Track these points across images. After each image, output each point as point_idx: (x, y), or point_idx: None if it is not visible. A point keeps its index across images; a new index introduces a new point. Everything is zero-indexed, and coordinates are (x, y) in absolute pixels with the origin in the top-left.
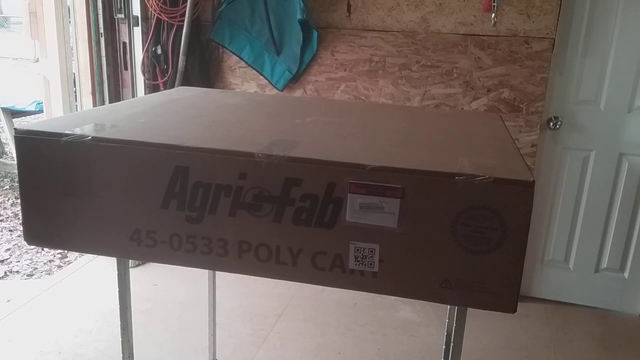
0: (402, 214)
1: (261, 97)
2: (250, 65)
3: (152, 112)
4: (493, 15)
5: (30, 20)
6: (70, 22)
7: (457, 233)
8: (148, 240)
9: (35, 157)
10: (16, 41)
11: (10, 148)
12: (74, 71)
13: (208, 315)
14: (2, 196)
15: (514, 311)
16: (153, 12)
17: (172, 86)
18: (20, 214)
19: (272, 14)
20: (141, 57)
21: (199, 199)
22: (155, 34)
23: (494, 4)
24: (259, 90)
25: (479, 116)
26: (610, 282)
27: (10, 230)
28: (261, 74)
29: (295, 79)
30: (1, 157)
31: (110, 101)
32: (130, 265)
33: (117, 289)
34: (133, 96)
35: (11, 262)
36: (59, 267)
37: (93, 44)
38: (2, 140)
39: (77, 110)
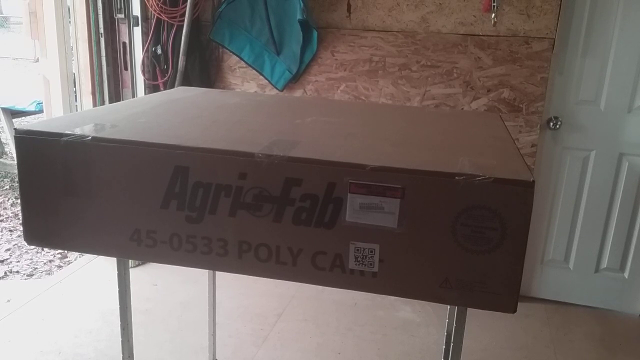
0: (402, 214)
1: (261, 97)
2: (250, 65)
3: (152, 112)
4: (493, 15)
5: (30, 20)
6: (70, 22)
7: (457, 233)
8: (148, 240)
9: (35, 157)
10: (16, 41)
11: (10, 148)
12: (74, 71)
13: (208, 315)
14: (2, 196)
15: (514, 311)
16: (153, 12)
17: (172, 86)
18: (20, 214)
19: (272, 14)
20: (141, 57)
21: (199, 199)
22: (155, 34)
23: (494, 4)
24: (259, 90)
25: (479, 116)
26: (610, 282)
27: (10, 230)
28: (261, 74)
29: (295, 79)
30: (1, 157)
31: (110, 101)
32: (130, 265)
33: (117, 289)
34: (133, 96)
35: (11, 262)
36: (59, 267)
37: (93, 44)
38: (2, 140)
39: (77, 110)
